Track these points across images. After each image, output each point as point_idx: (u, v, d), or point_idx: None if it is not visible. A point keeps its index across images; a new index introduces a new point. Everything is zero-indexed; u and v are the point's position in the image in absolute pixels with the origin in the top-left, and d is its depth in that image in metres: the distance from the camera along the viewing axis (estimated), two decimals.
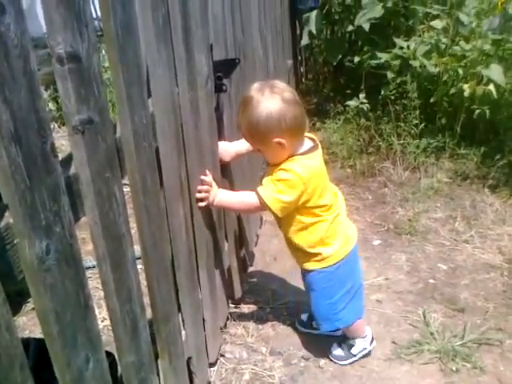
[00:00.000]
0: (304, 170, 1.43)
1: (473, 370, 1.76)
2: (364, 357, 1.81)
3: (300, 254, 1.64)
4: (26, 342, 0.64)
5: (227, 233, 1.87)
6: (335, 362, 1.81)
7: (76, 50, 0.75)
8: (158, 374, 1.19)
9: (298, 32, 4.78)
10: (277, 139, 1.41)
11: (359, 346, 1.80)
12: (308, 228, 1.55)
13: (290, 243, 1.65)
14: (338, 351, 1.82)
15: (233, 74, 1.65)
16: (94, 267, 2.10)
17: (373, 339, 1.83)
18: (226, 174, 1.81)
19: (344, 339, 1.82)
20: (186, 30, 1.28)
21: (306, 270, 1.66)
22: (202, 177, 1.46)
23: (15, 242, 0.66)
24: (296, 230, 1.57)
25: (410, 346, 1.87)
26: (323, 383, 1.73)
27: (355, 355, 1.79)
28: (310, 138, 1.54)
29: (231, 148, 1.71)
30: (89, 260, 2.06)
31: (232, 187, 1.85)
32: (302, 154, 1.47)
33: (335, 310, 1.68)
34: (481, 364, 1.77)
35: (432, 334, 1.91)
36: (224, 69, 1.53)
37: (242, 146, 1.71)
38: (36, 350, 0.91)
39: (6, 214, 0.67)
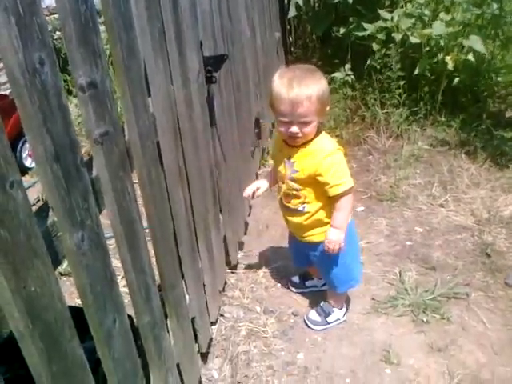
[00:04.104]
0: (334, 142, 1.70)
1: (441, 321, 2.02)
2: (346, 312, 2.06)
3: (319, 229, 1.79)
4: None
5: (222, 208, 2.09)
6: (308, 326, 2.02)
7: (93, 79, 0.94)
8: (168, 332, 1.43)
9: (286, 2, 4.87)
10: (328, 107, 1.65)
11: (335, 316, 2.02)
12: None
13: (314, 222, 1.78)
14: (315, 316, 2.03)
15: (222, 67, 1.82)
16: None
17: (345, 313, 2.05)
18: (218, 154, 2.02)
19: (323, 306, 2.04)
20: (179, 36, 1.46)
21: (320, 242, 1.80)
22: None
23: (59, 234, 0.87)
24: (325, 206, 1.74)
25: (387, 301, 2.12)
26: (310, 335, 1.99)
27: (329, 323, 2.01)
28: None
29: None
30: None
31: (226, 164, 2.06)
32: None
33: (349, 271, 1.91)
34: (448, 315, 2.03)
35: (406, 290, 2.16)
36: (214, 64, 1.71)
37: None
38: None
39: (50, 213, 0.87)
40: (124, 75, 1.08)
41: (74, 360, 0.88)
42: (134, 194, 1.14)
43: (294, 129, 1.60)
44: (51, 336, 0.80)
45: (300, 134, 1.61)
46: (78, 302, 1.04)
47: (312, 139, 1.67)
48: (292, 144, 1.69)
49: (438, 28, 3.36)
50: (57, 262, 0.87)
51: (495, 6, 3.40)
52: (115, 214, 1.06)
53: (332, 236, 1.71)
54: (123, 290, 1.12)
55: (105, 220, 1.01)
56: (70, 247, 0.88)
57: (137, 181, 1.22)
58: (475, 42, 3.33)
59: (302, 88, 1.53)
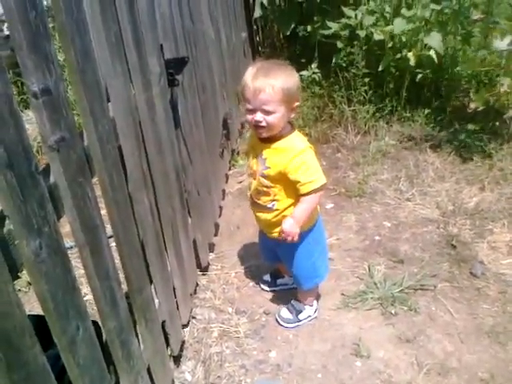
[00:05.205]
0: (305, 140, 1.72)
1: (409, 312, 2.06)
2: (317, 309, 2.08)
3: None
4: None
5: (190, 210, 2.09)
6: (280, 324, 2.04)
7: (47, 86, 0.93)
8: (138, 336, 1.43)
9: (251, 2, 4.87)
10: (296, 103, 1.66)
11: (306, 313, 2.04)
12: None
13: (282, 219, 1.75)
14: (286, 314, 2.05)
15: (183, 70, 1.82)
16: (71, 248, 2.29)
17: (316, 309, 2.07)
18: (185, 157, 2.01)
19: (294, 304, 2.05)
20: (137, 39, 1.45)
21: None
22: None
23: (16, 242, 0.87)
24: (295, 204, 1.74)
25: (357, 295, 2.15)
26: (282, 333, 2.01)
27: (300, 320, 2.04)
28: None
29: None
30: (66, 242, 2.25)
31: (194, 167, 2.07)
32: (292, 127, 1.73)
33: (315, 268, 1.93)
34: (416, 306, 2.08)
35: (375, 284, 2.20)
36: (175, 66, 1.71)
37: None
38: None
39: (7, 221, 0.86)
40: (79, 80, 1.08)
41: (35, 368, 0.87)
42: (95, 199, 1.13)
43: (258, 116, 1.62)
44: (10, 344, 0.80)
45: (264, 123, 1.62)
46: None
47: (284, 136, 1.69)
48: (259, 136, 1.71)
49: (398, 24, 3.43)
50: (15, 271, 0.86)
51: (454, 1, 3.48)
52: (75, 219, 1.05)
53: (286, 226, 1.71)
54: None
55: None
56: (28, 255, 0.87)
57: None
58: (434, 39, 3.40)
59: (267, 77, 1.58)
